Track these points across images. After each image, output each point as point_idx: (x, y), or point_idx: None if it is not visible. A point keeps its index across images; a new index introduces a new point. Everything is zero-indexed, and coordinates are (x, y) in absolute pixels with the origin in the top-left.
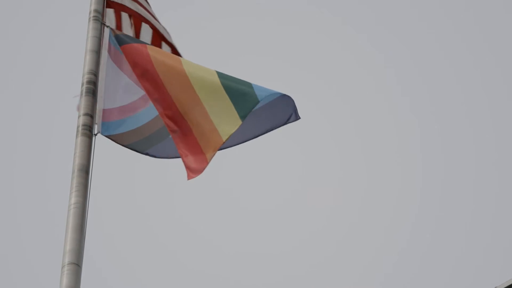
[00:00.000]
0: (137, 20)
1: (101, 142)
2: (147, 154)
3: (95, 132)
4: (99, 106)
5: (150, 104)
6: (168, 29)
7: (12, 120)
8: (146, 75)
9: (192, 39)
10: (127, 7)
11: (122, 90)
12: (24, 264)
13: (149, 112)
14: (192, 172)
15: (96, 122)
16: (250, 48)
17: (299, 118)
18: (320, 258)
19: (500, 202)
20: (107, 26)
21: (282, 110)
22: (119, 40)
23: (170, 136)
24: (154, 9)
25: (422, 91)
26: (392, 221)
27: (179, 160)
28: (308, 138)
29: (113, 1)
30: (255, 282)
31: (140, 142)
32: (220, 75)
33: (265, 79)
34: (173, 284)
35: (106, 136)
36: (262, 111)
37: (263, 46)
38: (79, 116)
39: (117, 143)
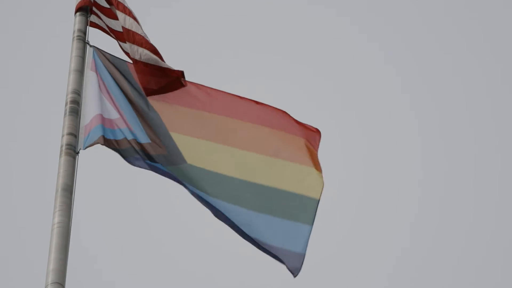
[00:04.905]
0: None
1: (85, 160)
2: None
3: (78, 150)
4: (82, 124)
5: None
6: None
7: None
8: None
9: (191, 37)
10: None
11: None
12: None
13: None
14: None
15: (79, 139)
16: (250, 46)
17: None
18: (319, 258)
19: (501, 202)
20: (91, 46)
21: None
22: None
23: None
24: (149, 7)
25: (423, 90)
26: (392, 221)
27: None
28: None
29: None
30: (254, 283)
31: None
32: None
33: (265, 77)
34: (173, 285)
35: (88, 147)
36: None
37: (263, 44)
38: (62, 136)
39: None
